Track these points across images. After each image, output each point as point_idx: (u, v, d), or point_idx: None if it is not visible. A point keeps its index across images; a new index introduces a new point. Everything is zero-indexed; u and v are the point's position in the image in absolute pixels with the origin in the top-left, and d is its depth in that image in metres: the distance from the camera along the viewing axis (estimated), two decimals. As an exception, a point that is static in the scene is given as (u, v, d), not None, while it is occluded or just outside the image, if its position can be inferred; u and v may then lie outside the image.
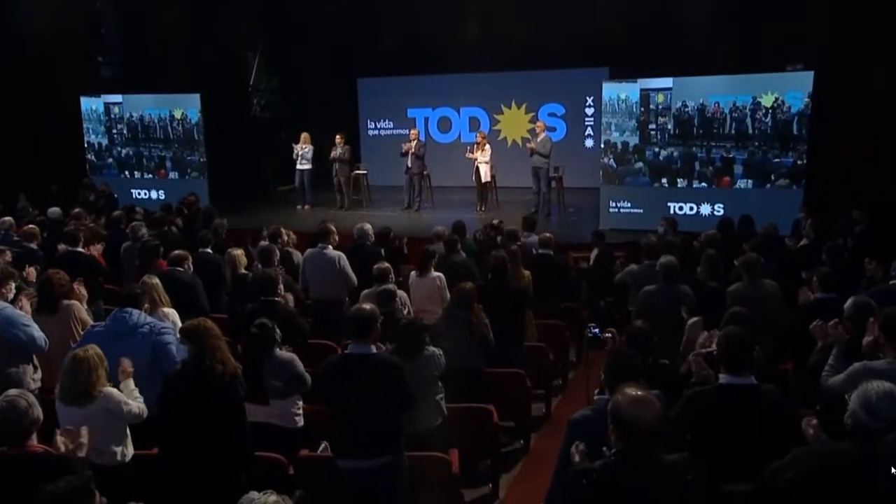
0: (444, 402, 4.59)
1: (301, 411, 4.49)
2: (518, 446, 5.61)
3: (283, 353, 4.39)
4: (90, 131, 14.14)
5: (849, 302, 4.26)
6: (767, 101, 9.93)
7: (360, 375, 3.64)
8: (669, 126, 10.44)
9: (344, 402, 3.67)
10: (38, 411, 3.05)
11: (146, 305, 4.83)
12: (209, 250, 7.16)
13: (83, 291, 5.53)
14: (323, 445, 4.41)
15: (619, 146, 10.77)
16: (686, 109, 10.35)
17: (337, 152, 12.75)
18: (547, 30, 13.35)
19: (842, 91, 9.91)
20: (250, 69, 15.73)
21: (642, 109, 10.49)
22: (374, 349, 3.71)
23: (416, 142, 12.36)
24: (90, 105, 13.99)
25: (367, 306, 3.85)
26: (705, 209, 10.38)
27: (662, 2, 12.26)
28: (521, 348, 5.70)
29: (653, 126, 10.53)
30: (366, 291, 5.78)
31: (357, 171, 13.48)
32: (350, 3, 14.42)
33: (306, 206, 13.10)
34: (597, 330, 4.24)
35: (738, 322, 3.75)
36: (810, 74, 9.67)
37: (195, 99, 13.21)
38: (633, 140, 10.67)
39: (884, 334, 3.47)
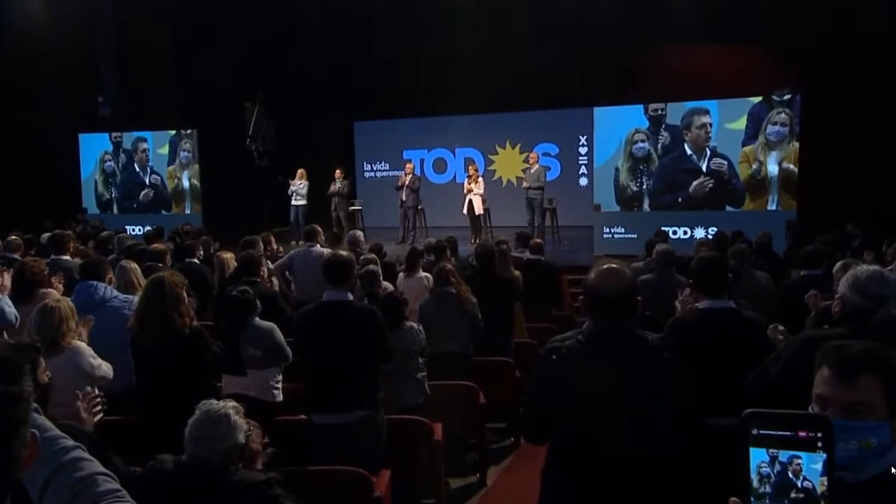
0: (426, 383, 4.44)
1: (280, 385, 4.33)
2: (508, 443, 5.43)
3: (263, 322, 4.26)
4: (89, 168, 14.31)
5: (837, 265, 4.16)
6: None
7: (337, 322, 3.51)
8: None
9: (320, 351, 3.53)
10: None
11: (109, 276, 4.72)
12: (195, 260, 7.08)
13: (60, 286, 5.42)
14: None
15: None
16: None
17: (336, 186, 12.82)
18: (539, 70, 13.61)
19: (826, 113, 10.06)
20: (249, 118, 15.98)
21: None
22: (350, 296, 3.60)
23: (411, 175, 12.44)
24: (90, 142, 14.17)
25: (344, 252, 3.75)
26: (699, 233, 10.35)
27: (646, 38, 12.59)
28: (510, 338, 5.54)
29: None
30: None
31: (353, 207, 13.51)
32: (347, 50, 14.76)
33: (301, 242, 13.04)
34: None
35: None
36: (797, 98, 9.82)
37: (192, 136, 13.43)
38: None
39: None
